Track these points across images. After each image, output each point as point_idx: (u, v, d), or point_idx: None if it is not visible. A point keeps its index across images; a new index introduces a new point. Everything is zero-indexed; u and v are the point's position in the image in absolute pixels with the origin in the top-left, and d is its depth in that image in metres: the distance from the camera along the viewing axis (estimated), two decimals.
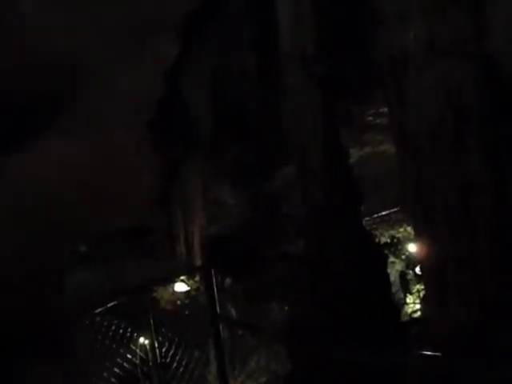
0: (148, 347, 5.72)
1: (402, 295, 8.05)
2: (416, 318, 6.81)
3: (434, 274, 4.23)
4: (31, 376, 6.18)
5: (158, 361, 5.58)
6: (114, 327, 6.04)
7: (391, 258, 8.17)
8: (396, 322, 5.50)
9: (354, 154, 7.80)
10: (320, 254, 5.54)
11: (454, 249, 4.08)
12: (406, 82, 4.29)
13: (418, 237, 4.60)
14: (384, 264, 5.83)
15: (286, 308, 6.63)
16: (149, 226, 8.95)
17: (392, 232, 9.16)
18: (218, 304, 4.47)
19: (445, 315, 4.08)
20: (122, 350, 5.95)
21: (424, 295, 4.72)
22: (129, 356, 5.88)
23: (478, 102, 3.97)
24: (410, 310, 7.72)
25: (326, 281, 5.37)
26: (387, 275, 5.84)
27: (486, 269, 3.93)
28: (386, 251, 7.46)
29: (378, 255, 5.86)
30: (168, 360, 5.72)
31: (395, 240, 8.82)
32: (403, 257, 8.56)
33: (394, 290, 7.00)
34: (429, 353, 2.72)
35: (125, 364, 5.82)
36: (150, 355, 5.65)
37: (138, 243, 8.80)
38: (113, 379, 5.64)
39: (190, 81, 8.33)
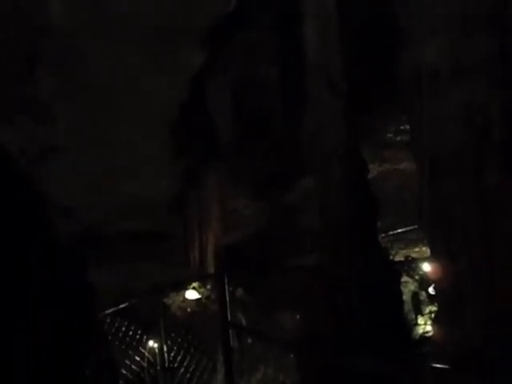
0: (157, 351, 5.72)
1: (413, 316, 7.93)
2: (427, 337, 6.72)
3: (450, 295, 4.18)
4: None
5: (166, 365, 5.57)
6: (123, 329, 6.05)
7: (404, 278, 8.07)
8: (407, 338, 5.46)
9: (373, 170, 7.79)
10: (334, 266, 5.53)
11: (472, 270, 4.02)
12: (428, 100, 4.28)
13: (434, 256, 4.55)
14: (397, 279, 5.81)
15: (298, 317, 6.58)
16: (164, 231, 8.96)
17: (406, 251, 9.07)
18: (229, 311, 4.46)
19: (458, 336, 4.03)
20: (130, 352, 5.96)
21: (436, 314, 4.67)
22: (137, 358, 5.89)
23: (501, 121, 3.94)
24: (421, 331, 7.61)
25: (339, 293, 5.35)
26: (400, 291, 5.81)
27: (505, 291, 3.87)
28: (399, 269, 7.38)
29: (391, 270, 5.84)
30: (176, 365, 5.72)
31: (409, 259, 8.72)
32: (416, 277, 8.45)
33: (405, 310, 6.92)
34: (441, 366, 2.69)
35: (133, 366, 5.82)
36: (158, 359, 5.64)
37: (152, 248, 8.81)
38: (120, 380, 5.64)
39: (214, 90, 8.39)
